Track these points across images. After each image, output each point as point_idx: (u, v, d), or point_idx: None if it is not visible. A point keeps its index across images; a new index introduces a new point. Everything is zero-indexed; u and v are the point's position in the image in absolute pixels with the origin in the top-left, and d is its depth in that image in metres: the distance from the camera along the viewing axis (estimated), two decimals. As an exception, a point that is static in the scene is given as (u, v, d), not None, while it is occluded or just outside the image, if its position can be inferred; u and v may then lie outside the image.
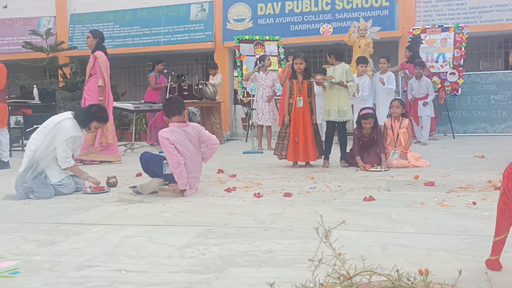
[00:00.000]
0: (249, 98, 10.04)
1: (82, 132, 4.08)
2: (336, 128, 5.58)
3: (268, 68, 8.02)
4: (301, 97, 5.39)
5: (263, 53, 9.69)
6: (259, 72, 7.88)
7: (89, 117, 4.03)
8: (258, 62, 8.13)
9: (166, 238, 2.55)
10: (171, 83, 8.90)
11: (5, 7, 13.44)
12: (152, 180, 3.97)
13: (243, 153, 7.38)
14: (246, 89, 10.04)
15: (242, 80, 10.12)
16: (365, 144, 5.46)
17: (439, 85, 9.23)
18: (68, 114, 4.06)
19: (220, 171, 5.12)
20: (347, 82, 5.44)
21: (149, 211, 3.27)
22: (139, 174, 4.92)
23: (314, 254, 2.18)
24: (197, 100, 9.12)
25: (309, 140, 5.38)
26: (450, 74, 9.18)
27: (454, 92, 9.25)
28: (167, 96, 8.51)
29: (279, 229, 2.67)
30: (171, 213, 3.19)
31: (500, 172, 4.60)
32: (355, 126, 5.57)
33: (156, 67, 9.30)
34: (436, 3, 10.54)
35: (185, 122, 3.91)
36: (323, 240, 1.30)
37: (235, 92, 11.40)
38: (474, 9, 10.27)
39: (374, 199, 3.41)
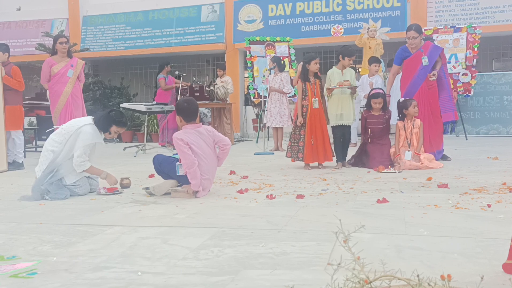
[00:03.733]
0: (260, 99, 10.09)
1: (101, 138, 4.11)
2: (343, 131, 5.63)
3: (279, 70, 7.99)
4: (317, 98, 5.40)
5: (278, 55, 9.69)
6: (271, 72, 7.89)
7: (109, 121, 4.06)
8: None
9: (180, 240, 2.56)
10: (183, 83, 8.94)
11: (19, 9, 13.60)
12: (165, 181, 3.99)
13: (254, 154, 7.39)
14: (256, 90, 10.06)
15: (253, 81, 10.15)
16: (374, 132, 5.51)
17: (452, 86, 9.14)
18: (89, 119, 4.09)
19: (232, 172, 5.14)
20: (355, 87, 5.56)
21: (163, 213, 3.29)
22: (151, 175, 4.95)
23: (329, 257, 2.19)
24: (208, 101, 9.15)
25: (326, 141, 5.42)
26: (462, 74, 9.13)
27: (467, 93, 9.19)
28: (179, 97, 8.56)
29: (292, 231, 2.68)
30: (184, 214, 3.21)
31: (514, 174, 4.57)
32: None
33: (164, 69, 9.35)
34: (448, 3, 10.47)
35: (198, 124, 3.94)
36: (342, 245, 1.30)
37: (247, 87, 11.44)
38: (486, 9, 10.19)
39: (388, 201, 3.39)
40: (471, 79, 9.09)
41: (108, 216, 3.23)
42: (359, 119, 6.87)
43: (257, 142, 9.48)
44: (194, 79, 10.02)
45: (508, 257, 1.92)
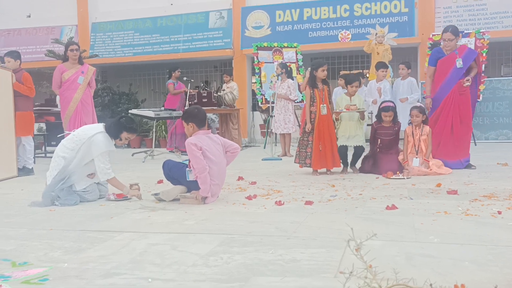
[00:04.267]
0: (267, 105, 10.10)
1: (113, 145, 4.13)
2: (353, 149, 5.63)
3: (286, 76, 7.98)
4: (325, 104, 5.40)
5: (285, 61, 9.71)
6: (279, 78, 7.90)
7: (120, 128, 4.08)
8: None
9: (190, 246, 2.57)
10: (191, 90, 8.98)
11: (29, 16, 13.75)
12: (174, 187, 4.01)
13: (262, 159, 7.39)
14: (264, 96, 10.09)
15: (261, 87, 10.17)
16: (383, 142, 5.51)
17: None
18: (100, 126, 4.10)
19: (240, 178, 5.15)
20: (363, 111, 5.53)
21: (172, 219, 3.30)
22: (160, 181, 4.97)
23: (339, 264, 2.18)
24: (216, 107, 9.18)
25: (334, 147, 5.43)
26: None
27: (476, 98, 9.13)
28: (187, 103, 8.60)
29: (302, 238, 2.67)
30: (193, 220, 3.22)
31: (524, 180, 4.54)
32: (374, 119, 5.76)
33: (173, 74, 9.40)
34: (456, 8, 10.46)
35: (208, 130, 3.98)
36: (354, 253, 1.30)
37: (253, 93, 11.45)
38: (495, 14, 10.16)
39: (397, 208, 3.38)
40: (480, 85, 9.04)
41: (118, 222, 3.24)
42: (368, 125, 6.88)
43: (264, 147, 9.49)
44: (202, 85, 10.07)
45: (520, 265, 1.91)
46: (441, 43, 5.82)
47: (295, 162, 5.64)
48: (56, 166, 3.98)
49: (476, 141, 9.00)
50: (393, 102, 5.82)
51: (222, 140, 4.00)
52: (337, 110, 5.43)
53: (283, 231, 2.85)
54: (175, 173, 4.03)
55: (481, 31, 9.25)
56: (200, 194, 3.80)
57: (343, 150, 5.51)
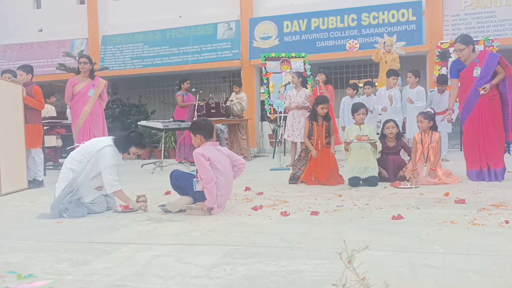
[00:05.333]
0: (276, 115, 10.12)
1: (121, 159, 4.16)
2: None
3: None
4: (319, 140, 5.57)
5: (293, 71, 9.75)
6: (286, 88, 7.93)
7: (129, 142, 4.11)
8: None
9: (194, 258, 2.58)
10: (199, 101, 9.05)
11: (41, 30, 13.99)
12: (181, 198, 4.03)
13: (270, 170, 7.39)
14: (272, 106, 10.11)
15: (269, 97, 10.21)
16: (388, 154, 5.56)
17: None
18: (109, 140, 4.14)
19: (247, 188, 5.15)
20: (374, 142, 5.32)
21: (177, 230, 3.31)
22: (167, 192, 5.00)
23: (342, 276, 2.17)
24: (224, 118, 9.23)
25: (329, 177, 5.40)
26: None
27: (485, 106, 9.06)
28: (195, 114, 8.66)
29: (306, 249, 2.67)
30: (199, 232, 3.23)
31: (534, 189, 4.49)
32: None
33: (182, 86, 9.47)
34: (465, 16, 10.44)
35: (216, 142, 4.02)
36: (346, 265, 1.30)
37: (262, 103, 11.49)
38: (504, 21, 10.12)
39: (403, 218, 3.36)
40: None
41: (124, 234, 3.26)
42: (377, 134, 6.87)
43: (273, 157, 9.49)
44: (211, 95, 10.13)
45: (524, 276, 1.88)
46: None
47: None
48: (64, 178, 4.02)
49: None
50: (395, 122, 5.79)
51: (230, 153, 4.03)
52: (348, 140, 5.22)
53: (288, 242, 2.85)
54: (182, 182, 4.06)
55: (490, 38, 9.20)
56: (206, 205, 3.81)
57: (354, 182, 5.17)
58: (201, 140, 3.95)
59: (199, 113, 8.84)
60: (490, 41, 9.13)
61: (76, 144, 4.75)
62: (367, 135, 5.18)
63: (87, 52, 13.25)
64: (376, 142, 5.21)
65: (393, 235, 2.93)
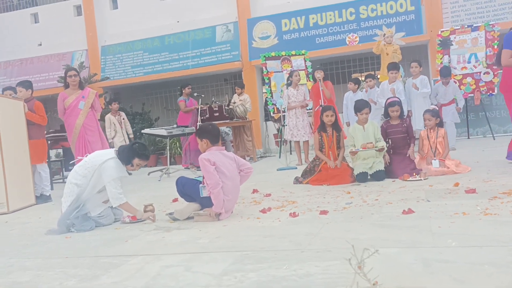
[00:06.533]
0: (280, 114, 10.08)
1: (125, 171, 4.13)
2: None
3: (298, 83, 7.94)
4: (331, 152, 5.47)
5: (294, 69, 9.71)
6: (287, 88, 7.89)
7: (132, 154, 4.08)
8: (289, 77, 8.08)
9: (203, 266, 2.54)
10: (202, 105, 9.02)
11: (40, 45, 14.03)
12: (188, 205, 4.00)
13: (277, 170, 7.35)
14: (275, 105, 10.07)
15: (271, 97, 10.17)
16: (394, 141, 5.45)
17: (474, 86, 9.00)
18: (112, 152, 4.11)
19: (255, 191, 5.12)
20: (377, 142, 5.29)
21: (186, 238, 3.28)
22: (175, 200, 4.97)
23: (354, 277, 2.13)
24: (228, 120, 9.20)
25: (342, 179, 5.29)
26: (484, 73, 8.95)
27: (490, 91, 8.99)
28: (199, 119, 8.63)
29: (316, 251, 2.63)
30: (207, 239, 3.19)
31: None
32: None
33: (183, 91, 9.45)
34: (464, 2, 10.34)
35: (222, 147, 4.00)
36: (357, 271, 1.26)
37: (266, 102, 11.45)
38: (504, 5, 10.01)
39: (413, 212, 3.31)
40: (493, 78, 8.90)
41: (132, 246, 3.23)
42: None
43: (279, 157, 9.45)
44: (213, 99, 10.13)
45: (541, 266, 1.83)
46: None
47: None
48: (70, 193, 4.00)
49: (494, 135, 8.83)
50: (398, 98, 5.78)
51: (236, 158, 4.00)
52: (353, 150, 5.20)
53: (297, 244, 2.81)
54: (188, 189, 4.03)
55: (490, 23, 9.11)
56: (214, 211, 3.78)
57: (362, 178, 5.15)
58: (208, 144, 3.93)
59: (202, 117, 8.81)
60: (491, 26, 9.04)
61: (79, 158, 4.72)
62: (372, 143, 5.16)
63: (87, 64, 13.28)
64: (382, 148, 5.17)
65: (404, 230, 2.88)
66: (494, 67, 8.86)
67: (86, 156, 4.22)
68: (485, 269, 2.06)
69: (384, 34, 8.72)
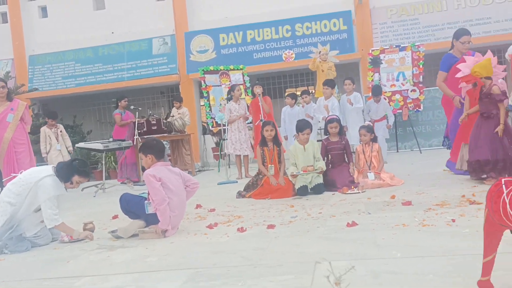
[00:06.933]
0: (218, 128, 10.09)
1: (63, 189, 3.93)
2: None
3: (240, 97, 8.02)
4: (273, 165, 5.57)
5: (232, 83, 9.82)
6: (227, 102, 7.93)
7: (71, 171, 3.88)
8: (230, 91, 8.12)
9: (155, 286, 2.50)
10: (138, 119, 8.84)
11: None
12: (132, 222, 3.89)
13: (218, 184, 7.34)
14: (214, 119, 10.08)
15: (210, 110, 10.17)
16: (333, 156, 5.69)
17: (402, 103, 9.54)
18: (49, 169, 3.89)
19: (198, 206, 5.07)
20: (317, 161, 5.42)
21: (132, 257, 3.19)
22: (115, 216, 4.82)
23: (310, 290, 2.18)
24: (166, 134, 9.07)
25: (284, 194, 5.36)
26: (411, 91, 9.51)
27: (417, 108, 9.56)
28: (136, 132, 8.44)
29: (268, 266, 2.66)
30: (155, 257, 3.13)
31: (471, 185, 4.76)
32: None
33: (119, 104, 9.21)
34: (392, 24, 10.96)
35: (167, 162, 3.95)
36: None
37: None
38: (427, 27, 10.73)
39: (357, 224, 3.44)
40: (419, 95, 9.49)
41: (76, 266, 3.10)
42: (318, 140, 7.03)
43: (219, 171, 9.44)
44: (150, 112, 9.93)
45: (482, 274, 1.98)
46: (453, 48, 5.84)
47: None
48: (2, 213, 3.74)
49: (421, 149, 9.39)
50: (337, 116, 6.03)
51: (182, 173, 3.98)
52: (294, 173, 5.27)
53: (249, 259, 2.83)
54: (133, 206, 3.93)
55: (416, 44, 9.73)
56: (160, 227, 3.71)
57: (303, 191, 5.21)
58: (153, 160, 3.86)
59: (139, 131, 8.63)
60: (417, 46, 9.65)
61: (13, 174, 4.44)
62: (312, 166, 5.29)
63: (14, 73, 12.59)
64: (321, 170, 5.30)
65: (350, 243, 2.99)
66: (420, 85, 9.46)
67: (20, 173, 3.99)
68: (430, 279, 2.20)
69: (320, 52, 9.03)
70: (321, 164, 5.34)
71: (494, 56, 5.29)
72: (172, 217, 3.75)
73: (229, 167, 8.28)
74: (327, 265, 2.53)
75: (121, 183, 8.72)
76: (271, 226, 3.66)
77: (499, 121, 4.81)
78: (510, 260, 2.14)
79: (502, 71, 5.22)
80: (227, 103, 7.92)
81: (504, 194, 1.74)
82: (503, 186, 1.80)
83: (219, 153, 10.16)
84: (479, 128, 4.99)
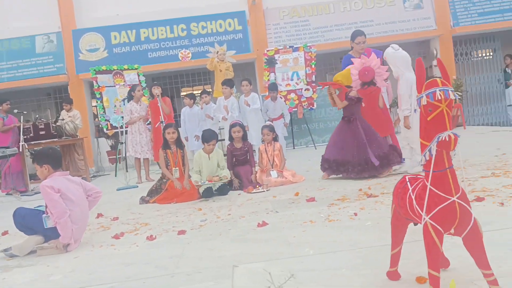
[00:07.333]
0: (113, 131, 9.68)
1: None
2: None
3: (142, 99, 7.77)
4: (177, 168, 5.48)
5: (127, 83, 9.49)
6: (125, 103, 7.64)
7: None
8: (130, 91, 7.81)
9: (65, 307, 2.33)
10: (24, 123, 8.15)
11: None
12: (29, 238, 3.58)
13: (117, 190, 7.03)
14: (109, 121, 9.65)
15: (104, 112, 9.71)
16: (238, 161, 5.76)
17: (297, 101, 9.93)
18: None
19: (100, 215, 4.82)
20: (221, 170, 5.44)
21: (34, 276, 2.94)
22: (5, 233, 4.39)
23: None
24: (57, 139, 8.48)
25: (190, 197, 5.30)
26: (305, 90, 9.94)
27: (311, 106, 10.02)
28: (21, 138, 7.78)
29: (186, 273, 2.62)
30: (60, 274, 2.92)
31: (365, 179, 5.11)
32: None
33: (1, 107, 8.42)
34: (284, 25, 11.35)
35: (66, 171, 3.68)
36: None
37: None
38: (317, 29, 11.28)
39: (267, 223, 3.52)
40: (312, 94, 9.95)
41: (-34, 294, 2.78)
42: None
43: (116, 175, 9.06)
44: (37, 115, 9.22)
45: (390, 265, 2.14)
46: (352, 48, 6.04)
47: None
48: None
49: (315, 145, 9.87)
50: (240, 121, 6.11)
51: (83, 182, 3.75)
52: (199, 183, 5.18)
53: (164, 268, 2.76)
54: (29, 221, 3.61)
55: (308, 45, 10.18)
56: (61, 242, 3.47)
57: (208, 193, 5.17)
58: (49, 170, 3.58)
59: (25, 136, 7.97)
60: (309, 47, 10.10)
61: None
62: (217, 176, 5.26)
63: None
64: (226, 179, 5.29)
65: (264, 243, 3.05)
66: (312, 84, 9.92)
67: None
68: (344, 273, 2.32)
69: (217, 52, 9.05)
70: (226, 173, 5.36)
71: (378, 58, 5.76)
72: (74, 229, 3.52)
73: (127, 171, 7.98)
74: (245, 268, 2.57)
75: (6, 194, 7.99)
76: (182, 232, 3.61)
77: (360, 124, 5.28)
78: (410, 249, 2.33)
79: (386, 71, 5.70)
80: (124, 104, 7.62)
81: (410, 191, 1.89)
82: (408, 183, 1.96)
83: (116, 156, 9.76)
84: (342, 130, 5.44)
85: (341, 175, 5.36)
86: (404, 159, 5.34)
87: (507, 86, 11.66)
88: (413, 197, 1.85)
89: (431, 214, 1.72)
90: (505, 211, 3.03)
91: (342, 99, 5.39)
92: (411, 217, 1.93)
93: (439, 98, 1.62)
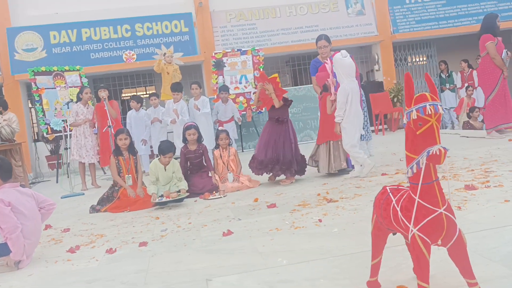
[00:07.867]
0: (54, 135, 9.20)
1: None
2: None
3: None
4: (130, 175, 5.34)
5: (68, 85, 9.06)
6: (69, 105, 7.29)
7: None
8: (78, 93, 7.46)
9: (28, 333, 2.15)
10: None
11: None
12: (-27, 257, 3.30)
13: (62, 197, 6.68)
14: (49, 125, 9.17)
15: (44, 116, 9.21)
16: (193, 164, 5.64)
17: (246, 104, 9.92)
18: None
19: (48, 226, 4.55)
20: (178, 181, 5.26)
21: (-16, 299, 2.71)
22: None
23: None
24: (-9, 144, 7.93)
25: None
26: (253, 93, 9.93)
27: (259, 109, 10.03)
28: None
29: (157, 290, 2.51)
30: (15, 295, 2.71)
31: (321, 183, 5.17)
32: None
33: None
34: (231, 28, 11.32)
35: (17, 183, 3.42)
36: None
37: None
38: (264, 32, 11.35)
39: (232, 232, 3.45)
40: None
41: None
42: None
43: (57, 182, 8.63)
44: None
45: (370, 275, 2.16)
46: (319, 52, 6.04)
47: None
48: None
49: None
50: (195, 123, 5.99)
51: (35, 194, 3.51)
52: (156, 200, 4.93)
53: (133, 285, 2.63)
54: (-26, 239, 3.33)
55: (256, 48, 10.20)
56: (12, 259, 3.22)
57: (163, 201, 4.98)
58: None
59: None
60: (257, 50, 10.13)
61: None
62: (175, 192, 5.03)
63: None
64: (184, 193, 5.08)
65: (233, 254, 2.98)
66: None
67: None
68: (323, 284, 2.32)
69: (164, 54, 8.86)
70: (183, 185, 5.17)
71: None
72: (27, 245, 3.29)
73: (68, 177, 7.59)
74: (219, 281, 2.50)
75: None
76: (143, 244, 3.46)
77: (285, 126, 5.51)
78: (384, 256, 2.36)
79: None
80: (69, 107, 7.26)
81: (394, 202, 1.91)
82: (390, 194, 1.98)
83: (56, 161, 9.29)
84: (269, 131, 5.55)
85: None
86: (353, 165, 5.44)
87: (442, 91, 12.28)
88: (398, 208, 1.87)
89: (419, 226, 1.74)
90: (464, 215, 3.15)
91: (279, 99, 5.51)
92: (394, 227, 1.95)
93: (429, 112, 1.65)
